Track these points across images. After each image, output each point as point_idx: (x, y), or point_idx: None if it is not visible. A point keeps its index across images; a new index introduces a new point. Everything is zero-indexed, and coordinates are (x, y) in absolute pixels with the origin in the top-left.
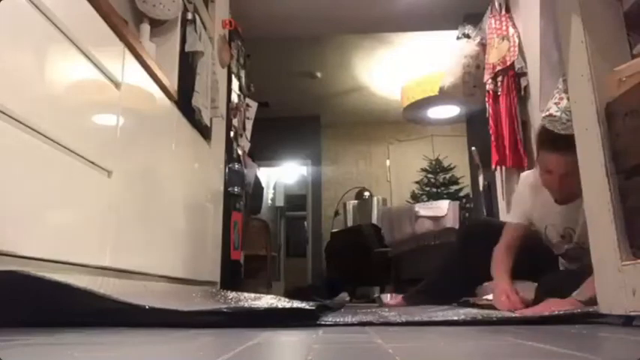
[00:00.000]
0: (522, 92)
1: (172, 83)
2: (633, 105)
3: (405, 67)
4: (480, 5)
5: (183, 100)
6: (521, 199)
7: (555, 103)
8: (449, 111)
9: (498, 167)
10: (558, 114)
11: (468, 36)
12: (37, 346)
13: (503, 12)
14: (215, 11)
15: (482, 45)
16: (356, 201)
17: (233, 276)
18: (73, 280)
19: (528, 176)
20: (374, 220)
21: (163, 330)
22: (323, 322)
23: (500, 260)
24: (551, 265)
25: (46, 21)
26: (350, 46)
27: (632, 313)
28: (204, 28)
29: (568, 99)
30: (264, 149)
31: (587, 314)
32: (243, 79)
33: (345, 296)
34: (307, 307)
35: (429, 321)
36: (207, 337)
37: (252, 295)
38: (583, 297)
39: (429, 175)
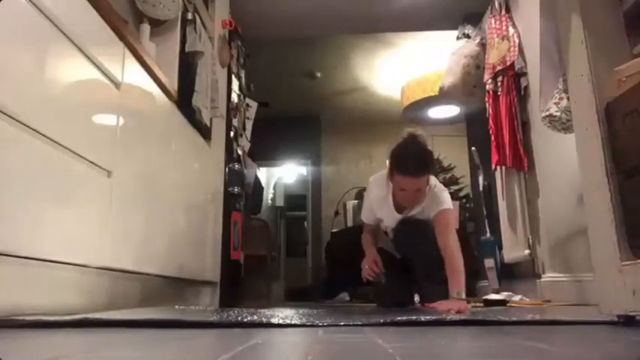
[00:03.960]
0: (522, 92)
1: (172, 83)
2: (633, 105)
3: (405, 67)
4: (480, 5)
5: (183, 100)
6: (370, 207)
7: (555, 103)
8: (449, 111)
9: (498, 167)
10: (558, 114)
11: (468, 36)
12: (41, 346)
13: (503, 12)
14: (215, 11)
15: (483, 45)
16: (356, 201)
17: (233, 276)
18: (74, 279)
19: (381, 189)
20: None
21: (163, 330)
22: (323, 323)
23: (366, 239)
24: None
25: (46, 21)
26: (350, 46)
27: (632, 313)
28: (204, 28)
29: (568, 99)
30: (264, 149)
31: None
32: (243, 79)
33: (345, 296)
34: None
35: (429, 321)
36: (207, 337)
37: None
38: (463, 294)
39: None
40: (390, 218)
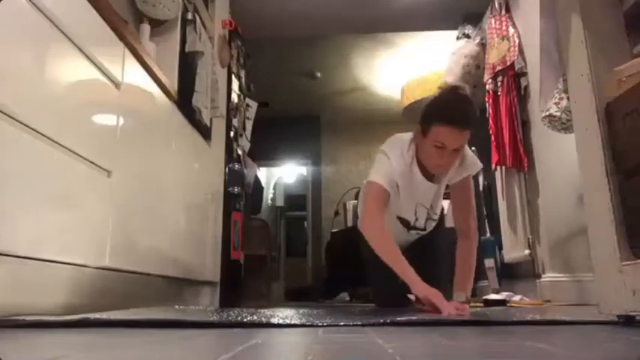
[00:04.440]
0: (522, 92)
1: (172, 83)
2: (633, 105)
3: (405, 67)
4: (480, 5)
5: (183, 100)
6: (392, 172)
7: (555, 103)
8: None
9: (498, 167)
10: (558, 114)
11: (468, 36)
12: (40, 346)
13: (503, 12)
14: (215, 11)
15: (482, 45)
16: (356, 201)
17: (233, 276)
18: (74, 279)
19: (403, 158)
20: None
21: (163, 330)
22: (323, 323)
23: (390, 246)
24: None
25: (46, 21)
26: (350, 46)
27: (632, 313)
28: (204, 28)
29: (568, 99)
30: (264, 149)
31: None
32: (243, 79)
33: (345, 296)
34: None
35: (429, 321)
36: (207, 337)
37: None
38: (465, 297)
39: None
40: (419, 193)
